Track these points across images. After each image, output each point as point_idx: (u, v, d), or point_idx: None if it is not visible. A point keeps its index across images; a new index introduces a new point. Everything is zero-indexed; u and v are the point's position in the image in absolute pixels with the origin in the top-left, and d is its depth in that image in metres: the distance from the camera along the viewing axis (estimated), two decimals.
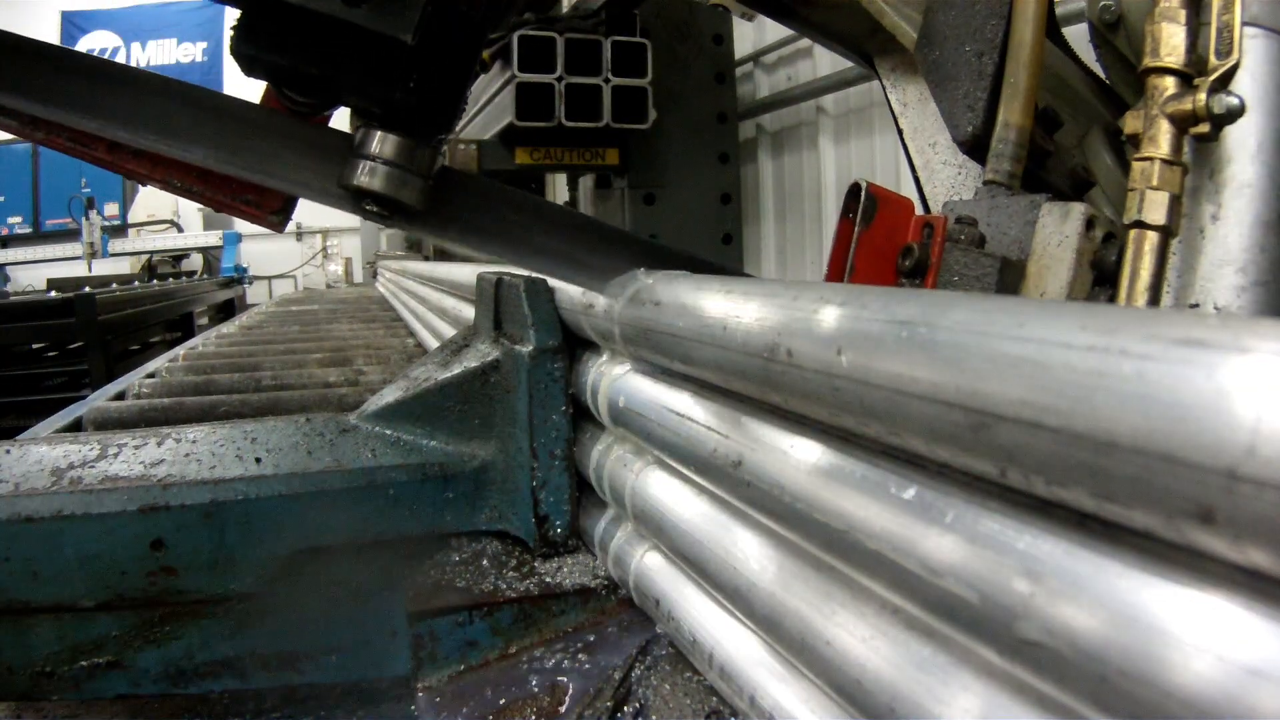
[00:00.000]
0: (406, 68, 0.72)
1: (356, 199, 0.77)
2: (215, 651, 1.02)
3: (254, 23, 0.71)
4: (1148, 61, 0.81)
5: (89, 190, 9.05)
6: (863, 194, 0.89)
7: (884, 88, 1.36)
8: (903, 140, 1.30)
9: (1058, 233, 0.82)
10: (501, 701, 0.90)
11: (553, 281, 1.13)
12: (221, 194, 0.85)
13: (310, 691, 1.07)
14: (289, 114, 0.79)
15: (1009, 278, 0.83)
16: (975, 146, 1.05)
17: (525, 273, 1.22)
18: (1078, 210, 0.81)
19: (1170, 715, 0.30)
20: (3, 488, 0.94)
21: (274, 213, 0.85)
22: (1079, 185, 1.07)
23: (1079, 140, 1.15)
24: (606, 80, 3.13)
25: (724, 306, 0.63)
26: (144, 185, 0.91)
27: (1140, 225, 0.78)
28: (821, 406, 0.51)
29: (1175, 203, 0.78)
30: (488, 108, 3.56)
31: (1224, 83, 0.79)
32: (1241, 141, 0.82)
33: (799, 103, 3.50)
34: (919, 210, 1.23)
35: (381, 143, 0.75)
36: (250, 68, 0.73)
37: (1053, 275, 0.81)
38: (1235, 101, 0.77)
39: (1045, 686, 0.38)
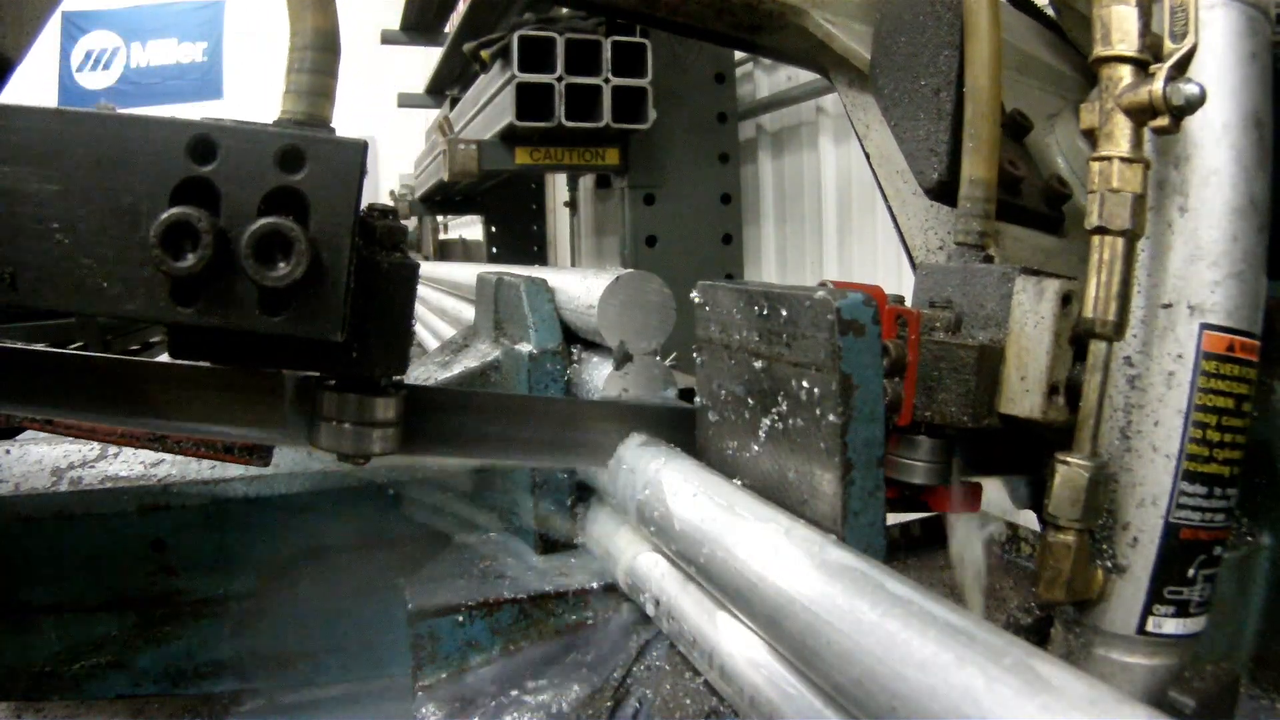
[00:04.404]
0: (344, 346, 0.70)
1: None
2: (215, 651, 1.02)
3: (182, 339, 0.70)
4: (1098, 50, 0.75)
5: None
6: None
7: (845, 107, 1.28)
8: (871, 166, 1.22)
9: (1034, 313, 0.78)
10: (501, 701, 0.90)
11: (553, 281, 1.13)
12: (202, 446, 0.85)
13: (310, 692, 1.07)
14: (245, 370, 0.78)
15: (988, 365, 0.80)
16: (943, 193, 0.99)
17: (525, 272, 1.22)
18: (1051, 289, 0.77)
19: None
20: (3, 488, 0.94)
21: (251, 451, 0.85)
22: (1054, 199, 1.03)
23: (1051, 126, 1.10)
24: (606, 80, 3.12)
25: None
26: (131, 448, 0.92)
27: (1103, 231, 0.73)
28: None
29: (1139, 202, 0.73)
30: (488, 108, 3.56)
31: (1181, 69, 0.73)
32: (1206, 125, 0.76)
33: (799, 103, 3.50)
34: (896, 227, 1.19)
35: (338, 404, 0.75)
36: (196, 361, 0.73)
37: (1032, 358, 0.78)
38: (1195, 90, 0.71)
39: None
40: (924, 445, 0.83)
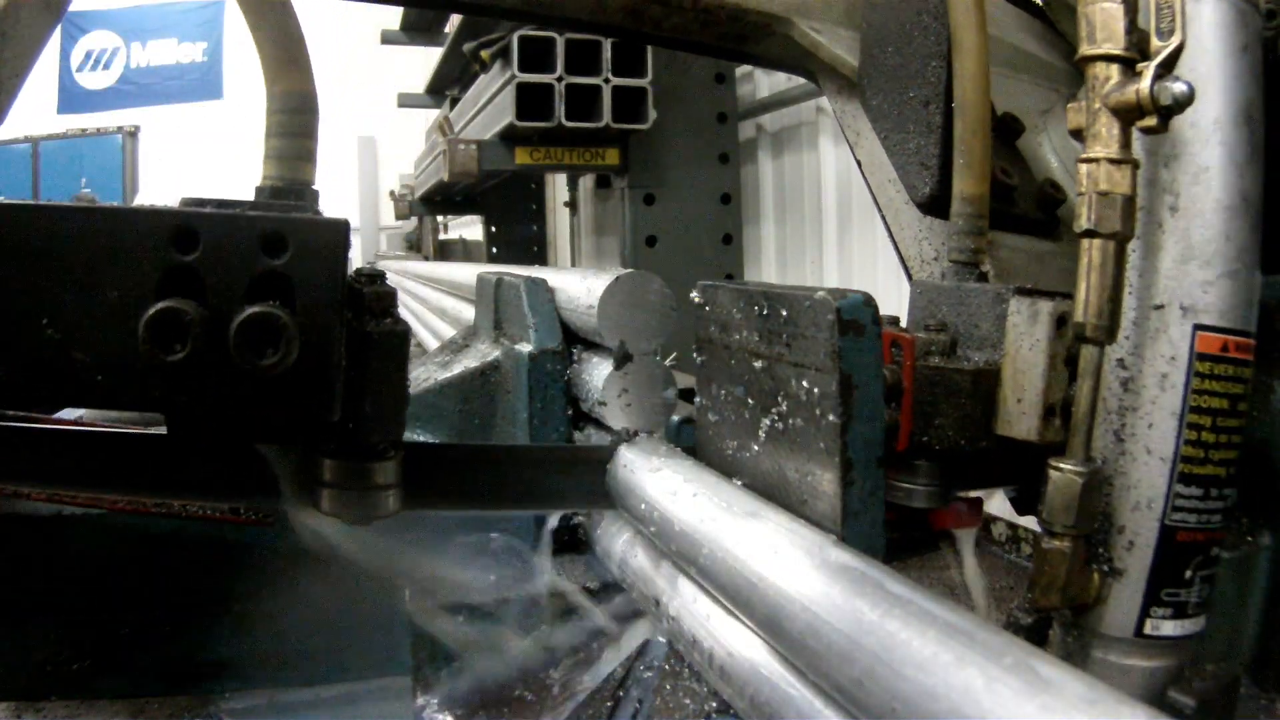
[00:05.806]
0: (339, 422, 0.70)
1: None
2: (215, 651, 1.02)
3: (177, 421, 0.70)
4: (1084, 49, 0.73)
5: (89, 190, 9.03)
6: None
7: (836, 114, 1.27)
8: (862, 173, 1.20)
9: (1028, 335, 0.77)
10: (502, 701, 0.90)
11: (553, 281, 1.13)
12: (208, 508, 0.85)
13: (310, 692, 1.07)
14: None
15: (983, 389, 0.79)
16: (935, 206, 0.98)
17: (525, 272, 1.22)
18: (1045, 311, 0.76)
19: None
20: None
21: (257, 511, 0.85)
22: (1048, 204, 1.02)
23: (1044, 124, 1.09)
24: (606, 80, 3.13)
25: None
26: (138, 514, 0.93)
27: (1092, 234, 0.72)
28: None
29: (1128, 204, 0.71)
30: (488, 108, 3.56)
31: (1169, 66, 0.71)
32: (1196, 121, 0.74)
33: (799, 103, 3.50)
34: (893, 235, 1.18)
35: (339, 472, 0.74)
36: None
37: (1028, 380, 0.77)
38: (1183, 89, 0.69)
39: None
40: (922, 469, 0.82)
